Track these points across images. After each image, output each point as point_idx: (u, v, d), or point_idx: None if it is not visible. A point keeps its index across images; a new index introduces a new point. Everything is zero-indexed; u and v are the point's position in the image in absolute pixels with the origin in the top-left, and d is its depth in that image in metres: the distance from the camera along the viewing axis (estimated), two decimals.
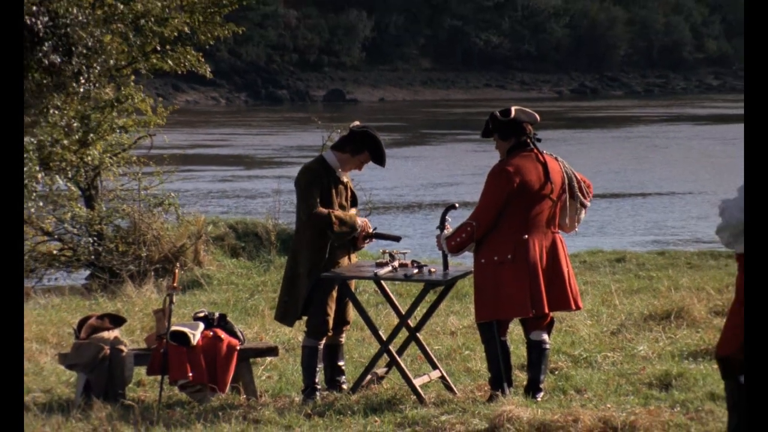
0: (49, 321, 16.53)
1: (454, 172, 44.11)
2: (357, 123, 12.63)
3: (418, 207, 36.15)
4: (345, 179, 12.33)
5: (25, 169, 12.72)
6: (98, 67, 12.13)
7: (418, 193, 37.71)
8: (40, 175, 13.58)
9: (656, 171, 46.21)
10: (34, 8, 11.59)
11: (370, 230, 12.37)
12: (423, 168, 42.26)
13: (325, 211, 11.87)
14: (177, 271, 14.11)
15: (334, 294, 12.12)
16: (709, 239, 28.80)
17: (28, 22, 11.61)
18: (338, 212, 11.99)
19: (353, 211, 12.31)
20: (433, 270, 12.25)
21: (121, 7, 21.99)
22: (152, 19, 22.46)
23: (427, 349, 12.52)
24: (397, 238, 12.88)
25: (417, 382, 11.85)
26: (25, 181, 12.84)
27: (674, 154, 56.12)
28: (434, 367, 12.31)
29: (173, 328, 12.15)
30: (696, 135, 67.87)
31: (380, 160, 12.31)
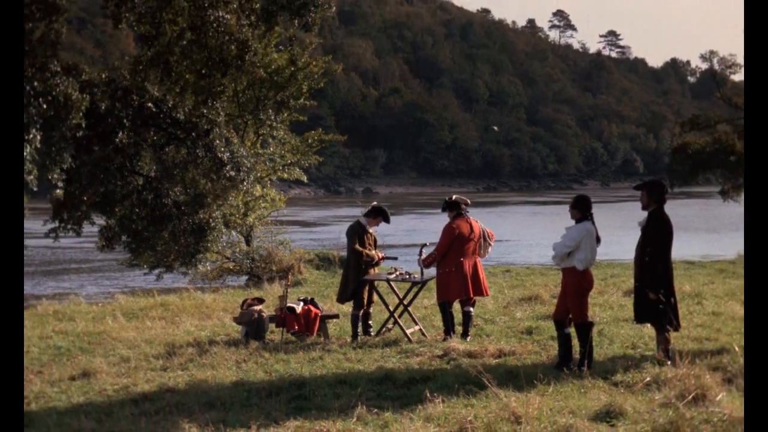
0: (228, 301, 16.63)
1: (397, 229, 43.43)
2: (375, 203, 12.79)
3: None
4: (371, 231, 12.46)
5: (215, 229, 12.63)
6: (252, 177, 12.12)
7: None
8: (223, 231, 13.58)
9: (504, 227, 45.50)
10: (222, 149, 11.66)
11: (382, 256, 12.42)
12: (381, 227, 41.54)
13: (360, 248, 11.99)
14: (290, 276, 14.21)
15: (367, 288, 12.19)
16: (515, 264, 27.86)
17: (219, 155, 11.68)
18: (366, 250, 12.07)
19: (373, 252, 12.37)
20: (416, 276, 12.28)
21: (261, 149, 22.31)
22: (278, 158, 22.82)
23: (413, 315, 12.54)
24: (395, 258, 13.02)
25: (408, 331, 11.89)
26: (216, 233, 12.78)
27: (516, 221, 55.74)
28: (416, 324, 12.32)
29: (288, 304, 12.24)
30: (531, 211, 67.63)
31: (387, 221, 12.46)
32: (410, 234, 40.70)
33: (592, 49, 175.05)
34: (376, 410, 7.83)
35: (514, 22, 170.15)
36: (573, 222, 9.76)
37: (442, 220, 12.26)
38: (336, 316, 13.02)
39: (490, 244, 12.24)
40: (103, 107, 11.79)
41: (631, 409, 7.51)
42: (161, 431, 7.54)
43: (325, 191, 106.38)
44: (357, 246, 12.14)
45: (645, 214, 9.60)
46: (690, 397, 7.58)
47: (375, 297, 12.54)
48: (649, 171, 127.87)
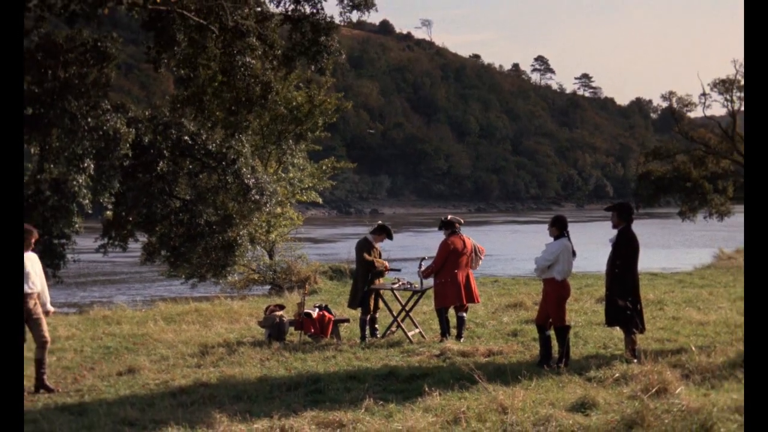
0: (253, 307, 16.51)
1: (393, 245, 42.41)
2: (380, 222, 12.71)
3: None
4: (377, 246, 12.37)
5: (242, 245, 12.60)
6: (274, 200, 12.15)
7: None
8: (249, 246, 13.58)
9: (489, 243, 44.74)
10: (248, 176, 11.70)
11: (388, 267, 12.36)
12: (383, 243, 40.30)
13: (369, 257, 11.92)
14: (307, 286, 14.13)
15: (374, 295, 12.11)
16: (500, 275, 27.25)
17: (245, 181, 11.72)
18: (375, 258, 12.01)
19: (379, 261, 12.32)
20: (416, 285, 12.23)
21: (283, 174, 22.36)
22: (297, 182, 22.84)
23: (413, 319, 12.45)
24: (398, 270, 12.93)
25: (409, 334, 11.78)
26: (242, 248, 12.78)
27: (498, 238, 55.33)
28: (417, 327, 12.22)
29: (305, 310, 12.18)
30: (512, 230, 67.14)
31: (390, 237, 12.39)
32: (404, 249, 40.53)
33: (569, 90, 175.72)
34: (381, 402, 7.81)
35: (501, 66, 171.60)
36: (552, 239, 9.78)
37: (435, 237, 12.19)
38: (347, 321, 12.95)
39: (480, 258, 12.10)
40: (146, 140, 11.90)
41: (602, 401, 7.49)
42: (196, 420, 7.53)
43: (338, 212, 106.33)
44: (366, 256, 12.13)
45: (615, 232, 9.59)
46: (653, 390, 7.56)
47: (381, 304, 12.44)
48: (618, 195, 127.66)
